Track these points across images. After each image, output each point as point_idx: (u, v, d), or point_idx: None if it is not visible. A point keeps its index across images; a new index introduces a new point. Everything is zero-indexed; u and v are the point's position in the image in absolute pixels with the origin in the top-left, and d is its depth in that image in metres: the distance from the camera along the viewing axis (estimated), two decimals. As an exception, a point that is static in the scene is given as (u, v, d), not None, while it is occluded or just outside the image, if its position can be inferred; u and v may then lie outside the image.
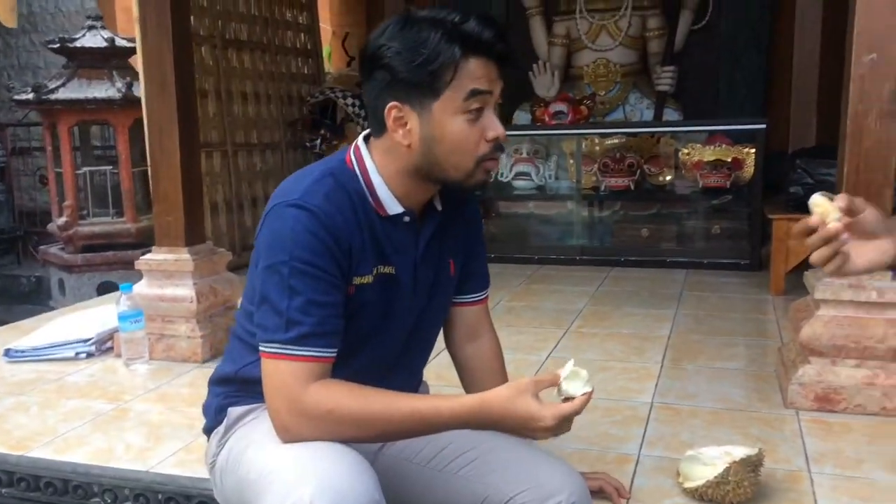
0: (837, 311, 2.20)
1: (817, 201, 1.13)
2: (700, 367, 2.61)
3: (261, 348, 1.24)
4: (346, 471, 1.15)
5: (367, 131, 1.38)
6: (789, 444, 1.98)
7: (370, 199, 1.31)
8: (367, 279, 1.31)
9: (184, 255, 2.83)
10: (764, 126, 4.08)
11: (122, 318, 2.67)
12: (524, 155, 4.76)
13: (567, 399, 1.20)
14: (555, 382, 1.21)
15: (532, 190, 4.79)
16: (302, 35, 5.41)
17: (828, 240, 1.08)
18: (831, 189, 3.36)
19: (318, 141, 5.03)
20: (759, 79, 4.98)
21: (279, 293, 1.21)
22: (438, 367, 1.95)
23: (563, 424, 1.17)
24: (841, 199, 1.11)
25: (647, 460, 1.92)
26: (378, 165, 1.32)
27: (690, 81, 5.10)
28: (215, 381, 1.49)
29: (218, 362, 1.53)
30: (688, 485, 1.72)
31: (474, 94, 1.22)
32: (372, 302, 1.32)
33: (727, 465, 1.66)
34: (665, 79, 4.99)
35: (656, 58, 5.13)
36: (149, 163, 2.87)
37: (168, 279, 2.83)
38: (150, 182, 2.92)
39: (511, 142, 4.78)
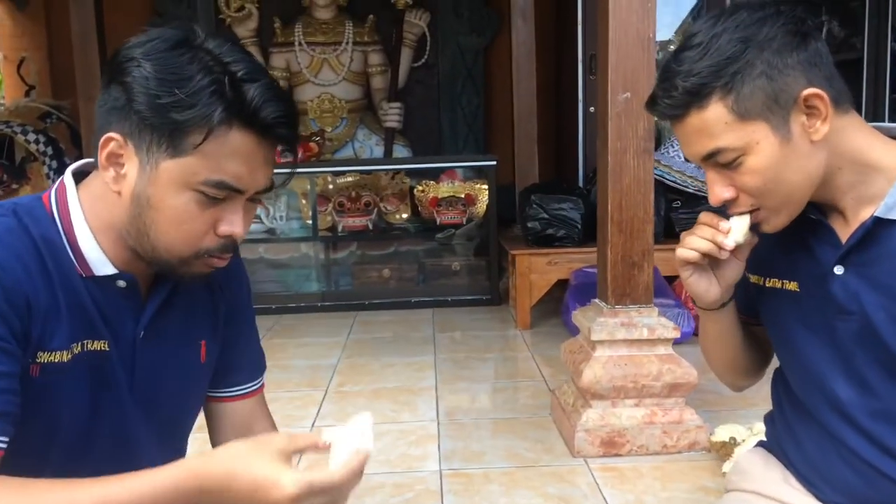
0: (613, 351, 2.19)
1: (742, 219, 1.08)
2: (476, 420, 2.47)
3: None
4: None
5: (81, 162, 1.03)
6: (591, 502, 1.88)
7: (69, 251, 0.96)
8: (62, 357, 0.95)
9: None
10: (495, 162, 4.16)
11: None
12: (251, 196, 4.36)
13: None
14: (318, 446, 0.89)
15: (262, 233, 4.41)
16: (-36, 58, 4.48)
17: (717, 249, 1.09)
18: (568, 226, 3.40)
19: (-7, 184, 4.18)
20: (479, 117, 5.14)
21: None
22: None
23: (314, 499, 0.83)
24: (751, 238, 1.11)
25: (456, 547, 1.70)
26: (87, 212, 0.97)
27: (415, 118, 5.10)
28: None
29: None
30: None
31: (220, 186, 0.92)
32: (69, 390, 0.96)
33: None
34: (392, 115, 4.93)
35: (381, 94, 5.06)
36: None
37: None
38: None
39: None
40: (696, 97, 1.01)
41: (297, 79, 5.02)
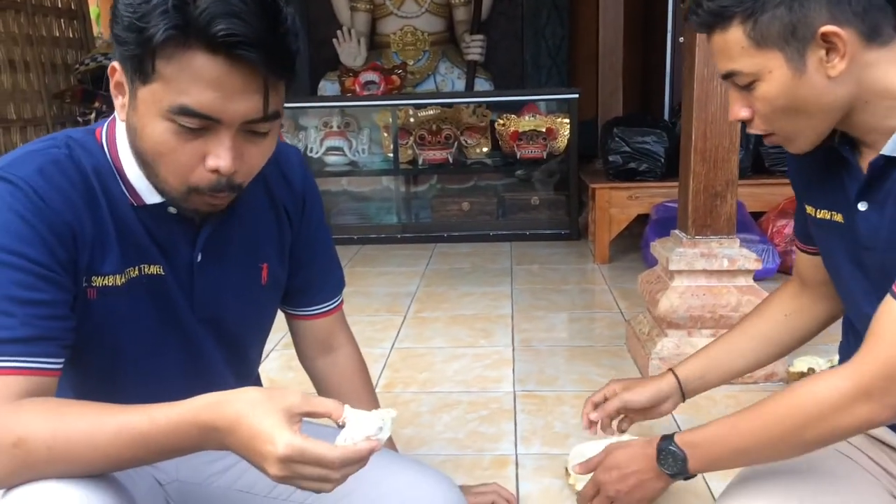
0: (691, 282, 2.17)
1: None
2: (552, 347, 2.51)
3: None
4: None
5: None
6: (662, 427, 1.90)
7: (119, 182, 0.99)
8: (116, 280, 1.00)
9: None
10: (577, 95, 4.09)
11: None
12: (335, 128, 4.44)
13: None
14: (332, 417, 0.87)
15: (345, 165, 4.48)
16: (64, -8, 4.66)
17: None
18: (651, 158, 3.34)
19: (93, 114, 4.38)
20: (563, 49, 5.04)
21: None
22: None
23: (302, 468, 0.81)
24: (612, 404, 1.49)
25: (527, 460, 1.76)
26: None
27: (497, 51, 5.04)
28: None
29: None
30: (582, 487, 1.56)
31: (182, 112, 0.87)
32: (127, 310, 1.02)
33: (624, 463, 1.52)
34: (475, 48, 4.89)
35: (463, 26, 5.01)
36: None
37: None
38: None
39: (320, 114, 4.44)
40: (720, 18, 1.02)
41: (380, 11, 5.03)
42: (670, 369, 1.49)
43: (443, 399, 2.11)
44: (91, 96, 4.33)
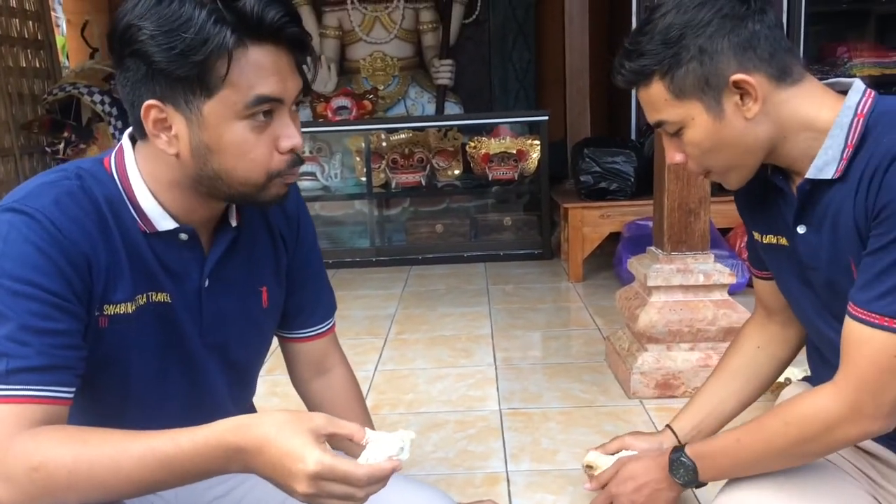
0: (669, 297, 2.23)
1: (589, 462, 1.56)
2: (533, 365, 2.54)
3: None
4: None
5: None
6: (648, 438, 1.95)
7: (131, 210, 1.02)
8: (127, 308, 1.02)
9: None
10: (547, 117, 4.17)
11: None
12: (307, 153, 4.45)
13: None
14: (354, 439, 0.91)
15: (318, 190, 4.50)
16: (30, 24, 4.62)
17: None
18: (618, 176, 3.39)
19: (62, 144, 4.34)
20: (530, 73, 5.14)
21: None
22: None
23: (330, 486, 0.84)
24: (613, 445, 1.58)
25: (518, 477, 1.79)
26: (144, 173, 1.02)
27: (466, 75, 5.12)
28: None
29: None
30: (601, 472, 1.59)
31: (260, 101, 0.94)
32: (136, 337, 1.03)
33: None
34: (444, 72, 4.94)
35: (432, 51, 5.08)
36: None
37: None
38: None
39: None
40: (640, 76, 1.13)
41: (349, 37, 5.07)
42: (667, 425, 1.53)
43: (430, 419, 2.13)
44: (59, 126, 4.29)
